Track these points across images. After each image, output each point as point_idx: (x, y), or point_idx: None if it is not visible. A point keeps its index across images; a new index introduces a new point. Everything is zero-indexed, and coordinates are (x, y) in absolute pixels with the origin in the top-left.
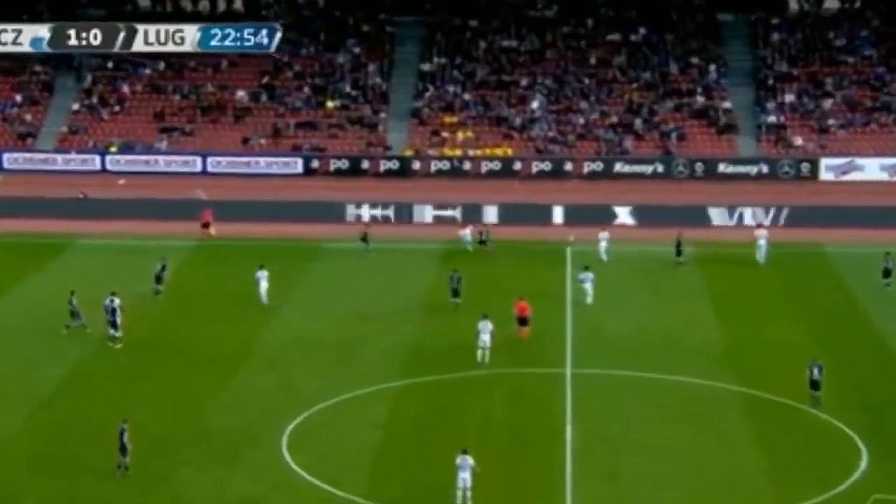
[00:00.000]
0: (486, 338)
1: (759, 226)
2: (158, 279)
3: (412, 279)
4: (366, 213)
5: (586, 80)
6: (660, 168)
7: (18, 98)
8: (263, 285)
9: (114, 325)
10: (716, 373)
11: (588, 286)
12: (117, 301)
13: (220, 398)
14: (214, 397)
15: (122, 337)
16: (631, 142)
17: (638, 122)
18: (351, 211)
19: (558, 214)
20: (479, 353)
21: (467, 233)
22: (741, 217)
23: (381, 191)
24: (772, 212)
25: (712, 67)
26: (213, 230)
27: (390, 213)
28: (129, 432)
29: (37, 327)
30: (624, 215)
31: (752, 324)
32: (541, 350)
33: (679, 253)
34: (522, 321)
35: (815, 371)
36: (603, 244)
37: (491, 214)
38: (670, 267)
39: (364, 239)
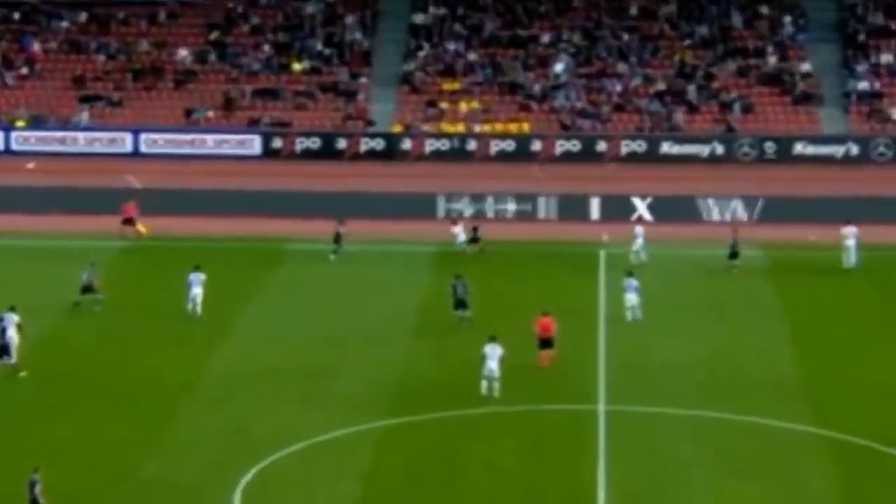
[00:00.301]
0: (493, 365)
1: (848, 222)
2: (87, 289)
3: (399, 290)
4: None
5: (625, 36)
6: (719, 149)
7: None
8: (195, 291)
9: (5, 349)
10: (793, 412)
11: (632, 296)
12: (15, 319)
13: (157, 444)
14: (149, 443)
15: (18, 366)
16: (682, 115)
17: (691, 90)
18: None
19: (589, 208)
20: (485, 384)
21: (460, 231)
22: (823, 211)
23: (361, 178)
24: (863, 204)
25: (787, 20)
26: (142, 227)
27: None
28: (41, 484)
29: None
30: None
31: (838, 349)
32: (566, 381)
33: (734, 255)
34: (545, 343)
35: None
36: (639, 241)
37: (502, 206)
38: (728, 274)
39: (337, 240)
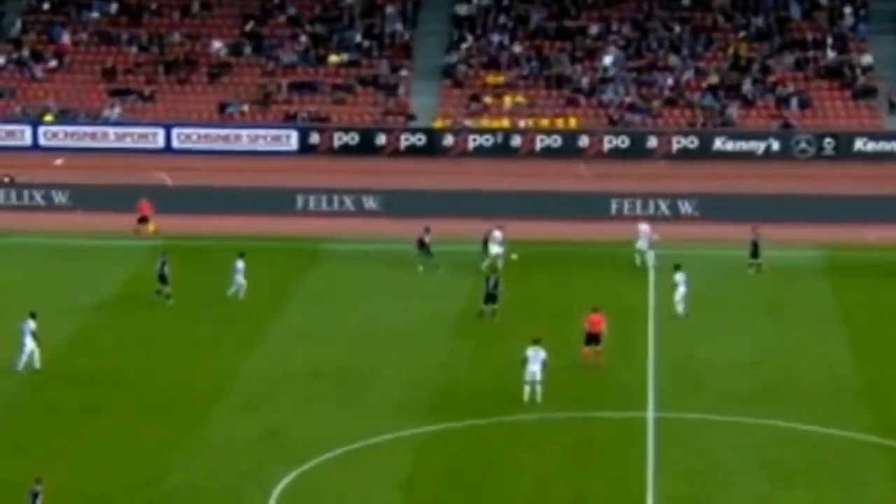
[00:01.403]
0: (535, 369)
1: None
2: (163, 278)
3: (440, 292)
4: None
5: (676, 28)
6: (775, 145)
7: None
8: (239, 280)
9: None
10: (851, 419)
11: (682, 291)
12: (32, 326)
13: (187, 450)
14: (179, 449)
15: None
16: (737, 110)
17: (746, 84)
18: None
19: (638, 207)
20: (527, 388)
21: (498, 236)
22: (887, 211)
23: (401, 174)
24: None
25: (847, 10)
26: (152, 226)
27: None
28: (43, 496)
29: None
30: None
31: None
32: (613, 386)
33: (755, 254)
34: (592, 338)
35: None
36: (643, 242)
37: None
38: (786, 278)
39: (423, 245)
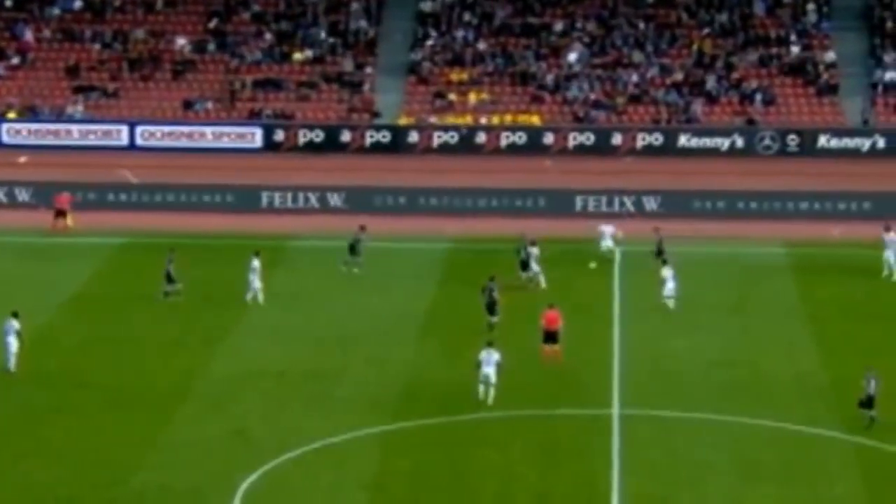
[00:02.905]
0: (489, 371)
1: (887, 227)
2: (169, 277)
3: (406, 291)
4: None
5: (641, 25)
6: (739, 142)
7: None
8: (253, 282)
9: None
10: (818, 416)
11: (671, 286)
12: (16, 326)
13: (153, 449)
14: (145, 448)
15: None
16: (701, 107)
17: (710, 81)
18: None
19: (603, 204)
20: (481, 388)
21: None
22: (852, 209)
23: (366, 172)
24: (891, 200)
25: (811, 7)
26: (70, 220)
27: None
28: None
29: None
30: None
31: (865, 352)
32: (578, 383)
33: (660, 253)
34: (550, 336)
35: (871, 384)
36: (608, 242)
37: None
38: (752, 275)
39: (353, 247)
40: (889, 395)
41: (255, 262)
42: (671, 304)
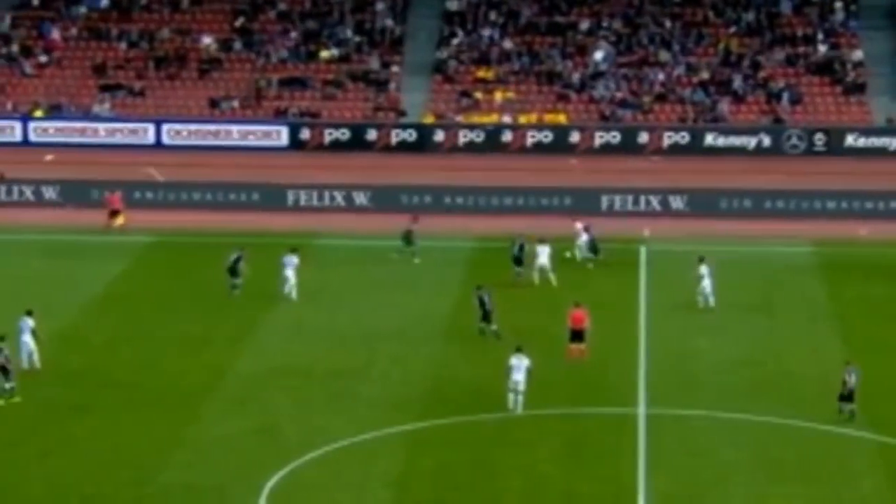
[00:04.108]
0: (519, 378)
1: None
2: (233, 272)
3: (432, 289)
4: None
5: (667, 23)
6: (766, 140)
7: None
8: (291, 278)
9: (3, 371)
10: (842, 416)
11: (708, 283)
12: (31, 324)
13: (178, 447)
14: (172, 445)
15: (13, 389)
16: (728, 105)
17: (737, 80)
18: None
19: (629, 203)
20: (511, 396)
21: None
22: (879, 208)
23: (392, 170)
24: None
25: (838, 5)
26: (121, 220)
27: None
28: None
29: None
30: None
31: (892, 351)
32: (605, 383)
33: (594, 250)
34: (577, 335)
35: (852, 377)
36: (584, 238)
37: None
38: (778, 274)
39: (408, 238)
40: None
41: (294, 258)
42: (711, 301)
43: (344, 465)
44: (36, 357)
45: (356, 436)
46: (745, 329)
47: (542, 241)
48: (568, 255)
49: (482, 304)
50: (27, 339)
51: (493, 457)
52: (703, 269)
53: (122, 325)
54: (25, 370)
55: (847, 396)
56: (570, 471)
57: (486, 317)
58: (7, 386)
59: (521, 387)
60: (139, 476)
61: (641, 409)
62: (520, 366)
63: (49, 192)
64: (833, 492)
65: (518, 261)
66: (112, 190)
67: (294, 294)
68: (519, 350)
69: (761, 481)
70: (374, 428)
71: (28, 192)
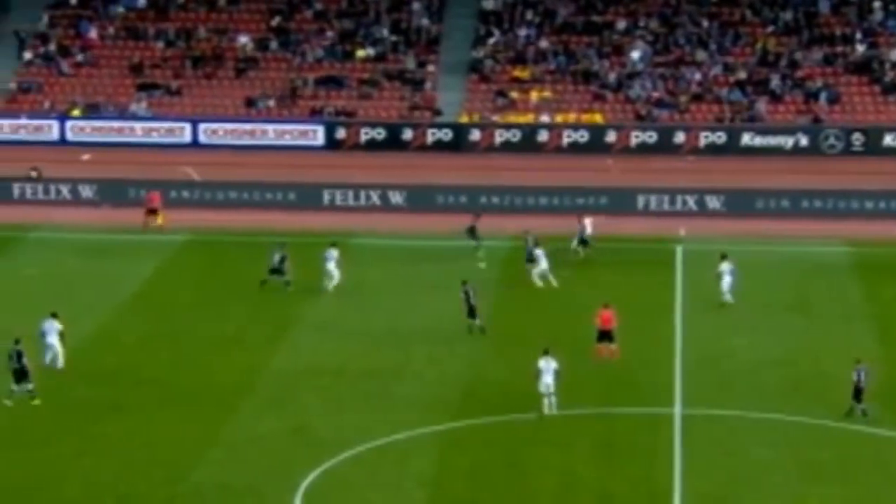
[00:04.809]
0: (549, 381)
1: None
2: (275, 271)
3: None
4: None
5: (704, 23)
6: (804, 140)
7: None
8: (334, 272)
9: (23, 374)
10: (879, 416)
11: (729, 280)
12: (57, 326)
13: (212, 447)
14: (206, 444)
15: (32, 392)
16: (765, 105)
17: (775, 79)
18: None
19: (665, 202)
20: (546, 401)
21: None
22: None
23: (427, 170)
24: None
25: (877, 5)
26: (160, 219)
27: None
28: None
29: None
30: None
31: None
32: (640, 382)
33: (583, 242)
34: (605, 335)
35: (862, 376)
36: (588, 232)
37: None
38: (814, 274)
39: (472, 232)
40: None
41: (334, 252)
42: (728, 297)
43: (378, 464)
44: (60, 359)
45: (390, 435)
46: (780, 329)
47: (536, 244)
48: (482, 265)
49: (467, 298)
50: (53, 342)
51: (528, 456)
52: (725, 266)
53: (156, 324)
54: (46, 367)
55: (856, 395)
56: (604, 471)
57: (472, 312)
58: (20, 388)
59: (552, 388)
60: (173, 475)
61: (677, 409)
62: (548, 368)
63: (86, 191)
64: (870, 492)
65: (532, 259)
66: (151, 189)
67: (330, 287)
68: (546, 352)
69: (797, 482)
70: (409, 427)
71: (65, 191)
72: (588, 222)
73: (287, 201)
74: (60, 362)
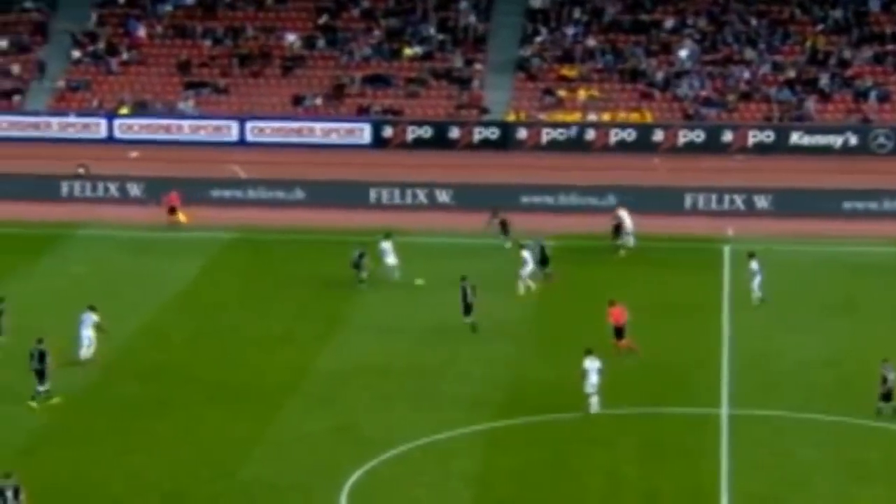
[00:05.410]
0: (595, 380)
1: None
2: (357, 266)
3: (512, 287)
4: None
5: (753, 21)
6: (853, 139)
7: (2, 44)
8: (390, 261)
9: (42, 374)
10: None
11: (757, 280)
12: (94, 318)
13: (259, 445)
14: (252, 442)
15: (50, 391)
16: (814, 104)
17: (824, 78)
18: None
19: (713, 202)
20: (593, 401)
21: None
22: None
23: (474, 168)
24: None
25: None
26: (182, 216)
27: None
28: (24, 493)
29: (17, 351)
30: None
31: None
32: (686, 382)
33: (617, 232)
34: (619, 331)
35: (891, 375)
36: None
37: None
38: (863, 274)
39: (503, 227)
40: None
41: (387, 245)
42: (758, 295)
43: (424, 463)
44: (93, 350)
45: (436, 434)
46: (827, 329)
47: (522, 246)
48: (419, 282)
49: (465, 295)
50: (88, 334)
51: (574, 456)
52: (754, 265)
53: (203, 321)
54: (79, 360)
55: (886, 396)
56: (650, 471)
57: (468, 310)
58: (40, 389)
59: (597, 388)
60: (219, 473)
61: (724, 409)
62: (593, 368)
63: (133, 189)
64: None
65: (544, 261)
66: (170, 189)
67: (398, 275)
68: (589, 352)
69: (845, 482)
70: (454, 426)
71: (113, 189)
72: (624, 214)
73: (333, 199)
74: (90, 352)
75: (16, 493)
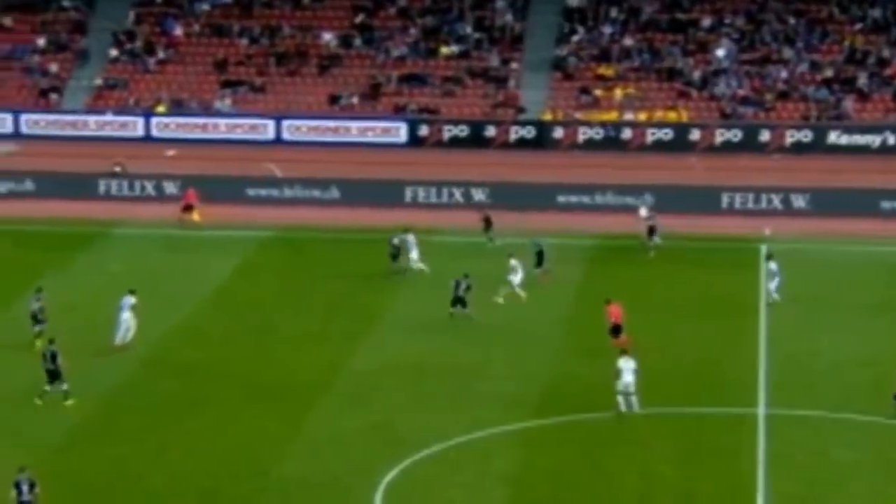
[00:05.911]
0: (629, 380)
1: None
2: (393, 257)
3: (549, 285)
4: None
5: (791, 20)
6: (891, 139)
7: (40, 42)
8: (414, 256)
9: (54, 374)
10: None
11: (776, 282)
12: (132, 301)
13: (296, 440)
14: (288, 439)
15: (68, 391)
16: (852, 103)
17: (862, 77)
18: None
19: (750, 201)
20: (621, 399)
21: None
22: None
23: (510, 167)
24: None
25: None
26: (197, 215)
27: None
28: (38, 487)
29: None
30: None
31: None
32: (723, 382)
33: (651, 233)
34: (616, 329)
35: None
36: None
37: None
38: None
39: (487, 224)
40: None
41: (410, 237)
42: (775, 296)
43: (459, 462)
44: (131, 334)
45: (471, 433)
46: (865, 329)
47: (510, 255)
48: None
49: (457, 288)
50: (126, 317)
51: (610, 456)
52: (773, 266)
53: (239, 319)
54: (117, 346)
55: None
56: (687, 471)
57: (461, 302)
58: (53, 388)
59: (632, 388)
60: (255, 469)
61: (761, 409)
62: (627, 367)
63: (170, 188)
64: None
65: (540, 262)
66: (188, 185)
67: (424, 266)
68: (624, 352)
69: (881, 483)
70: (489, 426)
71: (149, 187)
72: (644, 212)
73: (369, 198)
74: (129, 336)
75: (31, 486)
